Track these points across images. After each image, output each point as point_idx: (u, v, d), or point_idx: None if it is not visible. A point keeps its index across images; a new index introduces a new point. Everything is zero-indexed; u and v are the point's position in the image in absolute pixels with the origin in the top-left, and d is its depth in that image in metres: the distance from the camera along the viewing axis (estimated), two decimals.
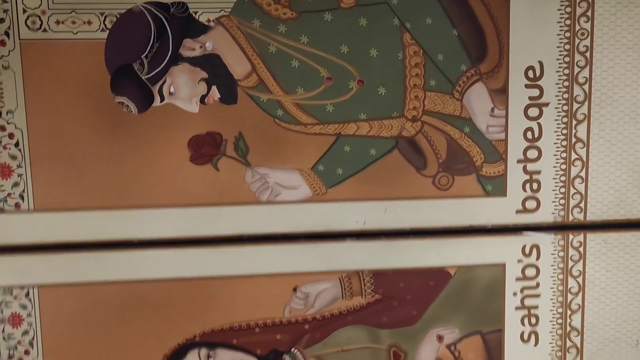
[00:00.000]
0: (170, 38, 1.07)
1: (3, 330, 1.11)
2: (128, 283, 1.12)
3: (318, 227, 1.14)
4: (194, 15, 1.07)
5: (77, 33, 1.05)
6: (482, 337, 1.20)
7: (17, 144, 1.07)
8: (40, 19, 1.05)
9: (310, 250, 1.15)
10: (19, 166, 1.08)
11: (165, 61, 1.07)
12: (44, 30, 1.05)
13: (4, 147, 1.07)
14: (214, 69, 1.08)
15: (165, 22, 1.06)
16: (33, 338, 1.12)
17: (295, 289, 1.15)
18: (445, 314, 1.19)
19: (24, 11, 1.04)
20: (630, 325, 1.22)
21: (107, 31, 1.06)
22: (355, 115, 1.12)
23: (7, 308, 1.11)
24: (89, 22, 1.05)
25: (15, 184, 1.08)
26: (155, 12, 1.06)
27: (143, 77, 1.07)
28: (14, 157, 1.07)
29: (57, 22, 1.05)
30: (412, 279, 1.17)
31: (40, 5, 1.04)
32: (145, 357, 1.14)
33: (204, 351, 1.16)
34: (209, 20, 1.08)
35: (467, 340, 1.20)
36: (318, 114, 1.12)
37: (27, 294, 1.11)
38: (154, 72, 1.07)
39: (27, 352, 1.12)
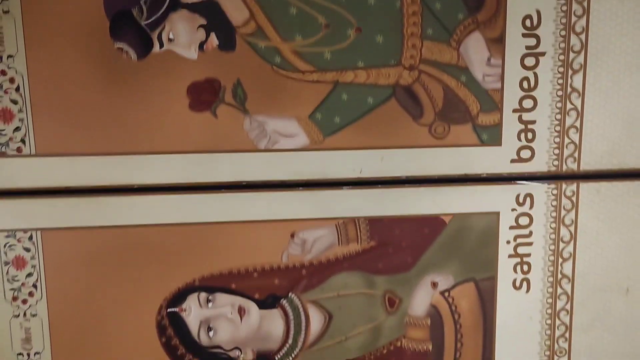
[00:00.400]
0: None
1: (7, 273, 1.14)
2: (128, 228, 1.15)
3: (315, 174, 1.16)
4: None
5: None
6: (475, 284, 1.23)
7: (17, 89, 1.08)
8: None
9: (308, 197, 1.17)
10: (20, 111, 1.09)
11: (164, 7, 1.08)
12: None
13: (5, 92, 1.08)
14: (212, 15, 1.09)
15: None
16: (37, 280, 1.15)
17: (292, 235, 1.18)
18: (439, 261, 1.21)
19: None
20: (621, 273, 1.24)
21: None
22: (353, 63, 1.13)
23: (11, 251, 1.14)
24: None
25: (17, 129, 1.10)
26: None
27: (142, 23, 1.08)
28: (15, 102, 1.09)
29: None
30: (407, 226, 1.19)
31: None
32: (145, 300, 1.18)
33: (203, 295, 1.18)
34: None
35: (461, 287, 1.23)
36: (316, 62, 1.13)
37: (31, 238, 1.14)
38: (153, 18, 1.08)
39: (31, 294, 1.15)
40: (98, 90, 1.10)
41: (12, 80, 1.08)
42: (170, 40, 1.09)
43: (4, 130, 1.09)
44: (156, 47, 1.09)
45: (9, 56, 1.07)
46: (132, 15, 1.07)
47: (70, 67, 1.08)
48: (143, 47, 1.09)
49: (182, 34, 1.09)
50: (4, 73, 1.08)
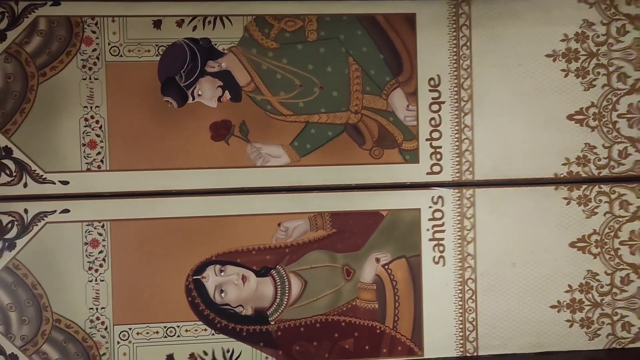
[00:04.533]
0: (199, 60, 1.69)
1: (86, 250, 1.68)
2: (168, 219, 1.70)
3: (294, 182, 1.73)
4: (214, 46, 1.69)
5: (141, 57, 1.68)
6: (406, 260, 1.76)
7: (101, 127, 1.67)
8: (118, 49, 1.67)
9: (289, 198, 1.72)
10: (101, 141, 1.67)
11: (196, 75, 1.69)
12: (121, 55, 1.67)
13: (92, 129, 1.67)
14: (226, 79, 1.70)
15: (196, 50, 1.69)
16: (105, 256, 1.69)
17: (279, 225, 1.72)
18: (380, 243, 1.75)
19: (109, 44, 1.67)
20: (509, 252, 1.77)
21: (160, 56, 1.68)
22: (318, 109, 1.73)
23: (89, 235, 1.68)
24: (148, 50, 1.68)
25: (99, 153, 1.68)
26: (190, 43, 1.69)
27: (181, 85, 1.69)
28: (98, 135, 1.67)
29: (129, 50, 1.67)
30: (358, 218, 1.74)
31: (118, 40, 1.67)
32: (177, 270, 1.70)
33: (217, 267, 1.71)
34: (224, 49, 1.70)
35: (396, 262, 1.75)
36: (293, 109, 1.72)
37: (103, 226, 1.69)
38: (189, 82, 1.69)
39: (101, 265, 1.69)
40: (151, 128, 1.68)
41: (97, 122, 1.67)
42: (199, 95, 1.69)
43: (90, 154, 1.67)
44: (190, 100, 1.69)
45: (96, 106, 1.67)
46: (175, 80, 1.68)
47: (135, 113, 1.68)
48: (182, 100, 1.69)
49: (207, 91, 1.70)
50: (92, 117, 1.67)
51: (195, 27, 1.69)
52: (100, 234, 1.69)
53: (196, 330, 1.71)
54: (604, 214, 1.78)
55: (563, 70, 1.77)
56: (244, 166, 1.71)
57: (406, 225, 1.75)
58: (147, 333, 1.70)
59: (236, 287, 1.72)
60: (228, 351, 1.72)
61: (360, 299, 1.74)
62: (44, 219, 1.66)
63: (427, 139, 1.75)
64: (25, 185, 1.66)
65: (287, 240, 1.73)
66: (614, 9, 1.77)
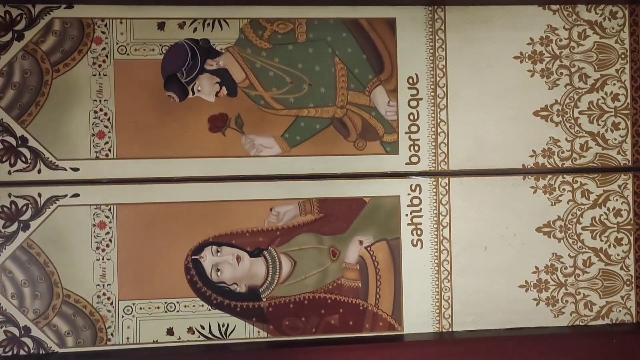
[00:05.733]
0: (199, 58, 1.86)
1: (94, 232, 1.84)
2: (169, 204, 1.85)
3: (285, 171, 1.89)
4: (213, 46, 1.87)
5: (146, 55, 1.85)
6: (387, 242, 1.92)
7: (109, 119, 1.84)
8: (126, 48, 1.84)
9: (280, 185, 1.89)
10: (109, 132, 1.84)
11: (196, 72, 1.86)
12: (128, 54, 1.84)
13: (101, 120, 1.84)
14: (223, 76, 1.87)
15: (196, 50, 1.86)
16: (111, 236, 1.84)
17: (271, 209, 1.89)
18: (363, 227, 1.91)
19: (117, 43, 1.84)
20: (480, 236, 1.94)
21: (163, 54, 1.85)
22: (307, 104, 1.90)
23: (97, 217, 1.84)
24: (153, 50, 1.85)
25: (107, 142, 1.84)
26: (191, 43, 1.86)
27: (183, 81, 1.85)
28: (106, 126, 1.84)
29: (135, 50, 1.84)
30: (343, 204, 1.90)
31: (126, 40, 1.84)
32: (177, 251, 1.86)
33: (214, 248, 1.87)
34: (221, 49, 1.87)
35: (378, 244, 1.92)
36: (285, 103, 1.89)
37: (110, 209, 1.84)
38: (189, 78, 1.86)
39: (107, 245, 1.84)
40: (155, 120, 1.85)
41: (105, 114, 1.84)
42: (198, 90, 1.86)
43: (99, 143, 1.84)
44: (190, 95, 1.86)
45: (105, 100, 1.84)
46: (177, 76, 1.85)
47: (140, 107, 1.84)
48: (183, 95, 1.86)
49: (206, 87, 1.86)
50: (101, 110, 1.83)
51: (195, 29, 1.86)
52: (107, 217, 1.84)
53: (194, 306, 1.86)
54: (567, 202, 1.95)
55: (529, 70, 1.95)
56: (239, 156, 1.87)
57: (387, 211, 1.91)
58: (149, 308, 1.85)
59: (231, 267, 1.87)
60: (223, 325, 1.87)
61: (345, 277, 1.90)
62: (55, 203, 1.82)
63: (406, 132, 1.92)
64: (39, 171, 1.82)
65: (278, 223, 1.89)
66: (576, 15, 1.95)
